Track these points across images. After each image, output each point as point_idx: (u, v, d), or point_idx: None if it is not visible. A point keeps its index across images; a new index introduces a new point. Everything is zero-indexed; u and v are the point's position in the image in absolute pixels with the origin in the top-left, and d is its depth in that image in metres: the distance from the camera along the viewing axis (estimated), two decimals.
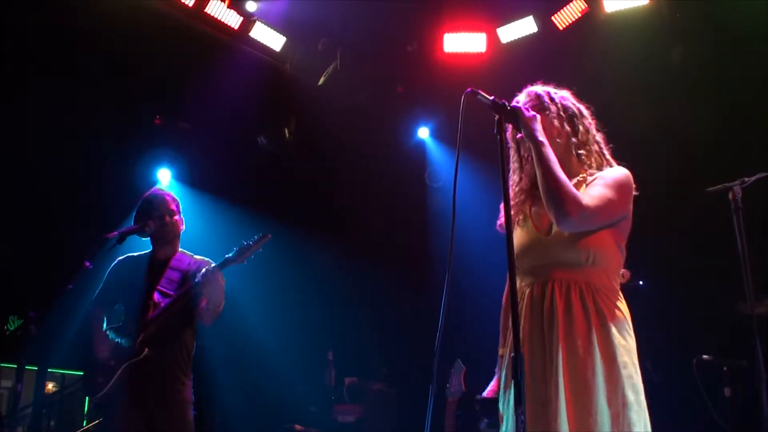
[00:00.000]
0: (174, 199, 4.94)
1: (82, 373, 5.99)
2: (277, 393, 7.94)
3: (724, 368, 6.15)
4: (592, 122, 3.11)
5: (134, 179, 7.93)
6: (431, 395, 2.63)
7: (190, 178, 8.19)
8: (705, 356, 6.08)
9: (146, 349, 4.56)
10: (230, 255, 4.71)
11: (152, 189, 5.07)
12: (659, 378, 6.27)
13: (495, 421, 3.01)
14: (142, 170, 8.06)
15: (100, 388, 4.56)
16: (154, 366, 4.58)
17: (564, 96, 3.11)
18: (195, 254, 5.00)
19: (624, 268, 3.02)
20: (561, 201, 2.75)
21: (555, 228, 2.88)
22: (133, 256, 4.98)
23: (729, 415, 6.10)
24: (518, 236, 2.99)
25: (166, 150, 8.14)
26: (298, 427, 7.07)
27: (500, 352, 3.14)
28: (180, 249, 4.97)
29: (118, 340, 4.71)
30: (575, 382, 2.69)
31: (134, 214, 4.92)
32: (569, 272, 2.84)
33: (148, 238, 4.92)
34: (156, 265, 4.86)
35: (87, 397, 6.38)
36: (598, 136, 3.11)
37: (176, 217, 4.90)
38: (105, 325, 4.85)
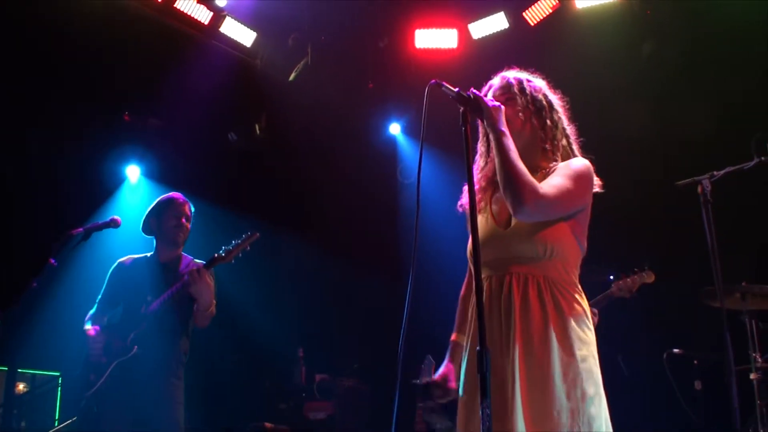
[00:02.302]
0: (191, 208, 5.03)
1: (57, 374, 5.97)
2: (247, 390, 7.90)
3: (695, 361, 6.20)
4: (563, 115, 3.06)
5: (102, 176, 7.87)
6: (397, 390, 2.59)
7: (159, 175, 8.14)
8: (675, 350, 6.12)
9: (135, 347, 4.59)
10: (218, 253, 4.74)
11: (173, 192, 5.11)
12: (630, 372, 6.31)
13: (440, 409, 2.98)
14: (111, 167, 7.99)
15: (91, 385, 4.59)
16: (147, 366, 4.60)
17: (536, 87, 3.04)
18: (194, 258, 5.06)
19: (585, 261, 2.98)
20: (517, 190, 2.70)
21: (513, 221, 2.84)
22: (135, 257, 5.01)
23: (700, 408, 6.15)
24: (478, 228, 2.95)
25: (135, 147, 8.09)
26: (268, 425, 7.04)
27: (453, 337, 3.09)
28: (183, 253, 5.03)
29: (109, 338, 4.74)
30: (532, 377, 2.65)
31: (150, 210, 4.99)
32: (527, 266, 2.80)
33: (153, 239, 4.98)
34: (164, 267, 4.89)
35: (59, 399, 6.33)
36: (569, 130, 3.06)
37: (188, 224, 4.97)
38: (105, 324, 4.89)
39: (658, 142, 7.06)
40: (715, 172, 4.65)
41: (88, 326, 4.83)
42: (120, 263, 4.98)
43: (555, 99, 3.07)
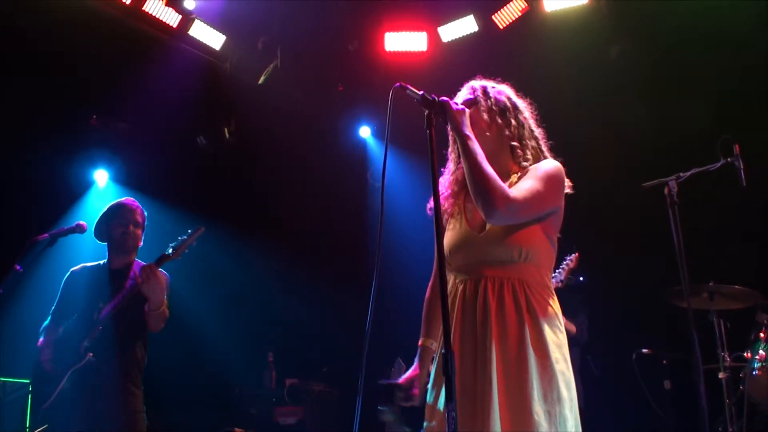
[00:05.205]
0: (142, 213, 4.93)
1: (27, 381, 5.92)
2: (216, 395, 7.84)
3: (664, 361, 6.25)
4: (530, 117, 3.08)
5: (70, 180, 7.78)
6: (360, 392, 2.58)
7: (127, 180, 8.06)
8: (644, 350, 6.17)
9: (89, 354, 4.50)
10: (166, 251, 4.68)
11: (124, 198, 5.03)
12: (600, 372, 6.35)
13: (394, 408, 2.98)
14: (78, 171, 7.90)
15: (46, 397, 4.50)
16: (100, 373, 4.52)
17: (500, 90, 3.07)
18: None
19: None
20: (488, 194, 2.71)
21: (488, 225, 2.86)
22: (87, 266, 4.93)
23: (669, 407, 6.20)
24: (451, 232, 2.97)
25: (102, 150, 7.99)
26: (238, 430, 6.99)
27: (420, 342, 3.08)
28: (136, 259, 4.94)
29: (61, 348, 4.66)
30: (509, 379, 2.67)
31: (99, 217, 4.90)
32: (502, 269, 2.82)
33: (105, 246, 4.89)
34: (115, 275, 4.81)
35: (29, 407, 6.26)
36: (537, 132, 3.08)
37: (138, 230, 4.89)
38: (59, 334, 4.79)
39: (627, 143, 7.11)
40: (681, 174, 4.69)
41: (40, 338, 4.76)
42: (72, 272, 4.89)
43: (521, 102, 3.11)
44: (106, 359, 4.55)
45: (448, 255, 2.91)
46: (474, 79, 3.17)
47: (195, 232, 4.73)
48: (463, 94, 3.08)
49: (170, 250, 4.67)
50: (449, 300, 2.81)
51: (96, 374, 4.50)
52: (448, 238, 2.95)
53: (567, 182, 2.96)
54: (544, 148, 3.06)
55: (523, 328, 2.73)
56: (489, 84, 3.10)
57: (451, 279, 2.92)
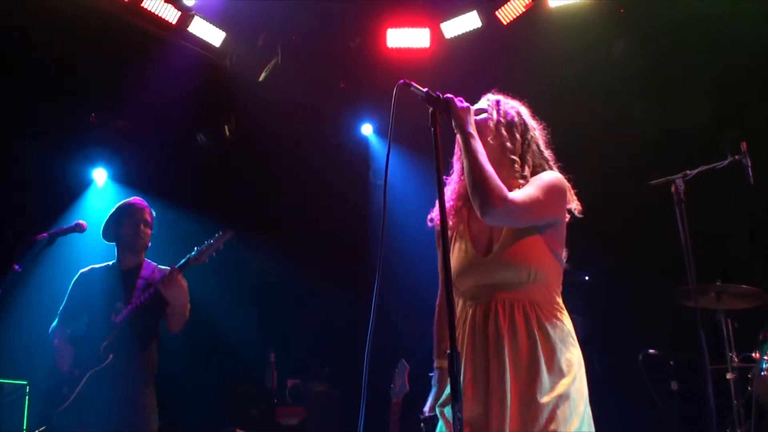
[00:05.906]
0: (150, 212, 4.95)
1: (25, 382, 5.90)
2: (218, 396, 7.81)
3: (671, 362, 6.20)
4: (539, 138, 3.05)
5: (68, 179, 7.76)
6: (363, 395, 2.55)
7: (126, 178, 8.04)
8: (651, 350, 6.12)
9: (111, 356, 4.54)
10: (191, 255, 4.71)
11: (132, 198, 5.05)
12: (606, 373, 6.29)
13: None
14: (77, 170, 7.88)
15: (65, 399, 4.52)
16: (119, 375, 4.56)
17: (513, 106, 3.06)
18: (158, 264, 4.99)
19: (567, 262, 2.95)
20: (485, 192, 2.68)
21: (494, 247, 2.83)
22: (97, 267, 4.94)
23: (675, 408, 6.15)
24: (456, 257, 2.93)
25: (101, 149, 7.97)
26: (239, 431, 6.97)
27: (436, 363, 3.04)
28: (146, 259, 4.95)
29: (78, 349, 4.68)
30: (523, 401, 2.65)
31: (109, 216, 4.92)
32: (511, 292, 2.79)
33: (114, 246, 4.90)
34: (126, 275, 4.82)
35: (26, 407, 6.23)
36: (547, 153, 3.04)
37: (148, 230, 4.91)
38: (69, 336, 4.81)
39: (632, 141, 7.07)
40: (688, 171, 4.66)
41: (55, 340, 4.76)
42: (82, 274, 4.90)
43: (532, 122, 3.07)
44: (124, 360, 4.59)
45: (455, 279, 2.87)
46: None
47: (222, 237, 4.74)
48: (479, 104, 3.06)
49: (194, 254, 4.67)
50: (459, 322, 2.83)
51: (113, 375, 4.54)
52: (454, 262, 2.91)
53: (577, 205, 2.95)
54: (555, 169, 3.01)
55: (536, 350, 2.71)
56: (504, 98, 3.09)
57: (460, 303, 2.90)
